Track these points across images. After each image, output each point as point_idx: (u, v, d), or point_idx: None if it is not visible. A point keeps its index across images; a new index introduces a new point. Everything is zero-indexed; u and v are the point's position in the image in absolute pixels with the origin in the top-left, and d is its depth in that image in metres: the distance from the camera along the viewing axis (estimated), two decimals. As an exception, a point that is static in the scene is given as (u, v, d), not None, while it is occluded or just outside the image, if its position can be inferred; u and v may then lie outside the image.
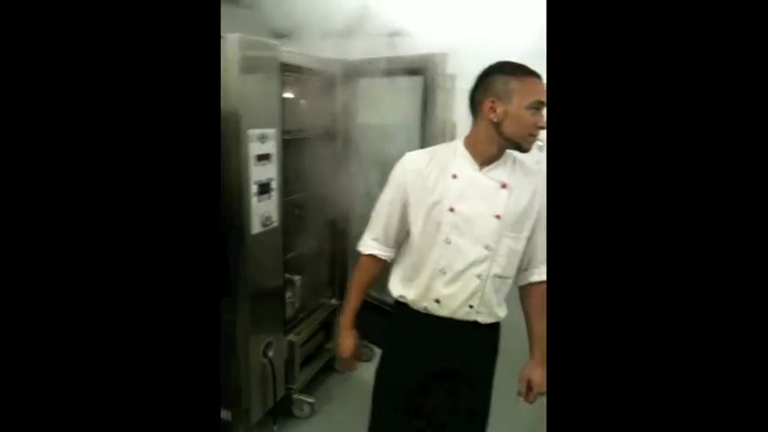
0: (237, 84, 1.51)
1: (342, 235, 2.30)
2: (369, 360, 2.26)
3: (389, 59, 2.07)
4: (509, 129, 1.06)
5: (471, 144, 1.12)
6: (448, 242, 1.10)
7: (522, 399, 1.23)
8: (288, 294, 1.96)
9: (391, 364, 1.26)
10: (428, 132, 2.04)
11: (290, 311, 2.00)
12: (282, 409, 1.98)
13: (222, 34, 1.48)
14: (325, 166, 2.19)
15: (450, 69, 2.16)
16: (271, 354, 1.78)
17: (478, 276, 1.11)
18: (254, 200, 1.63)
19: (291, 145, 1.98)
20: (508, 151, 1.12)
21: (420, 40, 2.35)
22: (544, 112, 1.04)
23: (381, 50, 2.13)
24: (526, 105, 1.03)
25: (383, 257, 1.23)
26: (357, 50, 2.18)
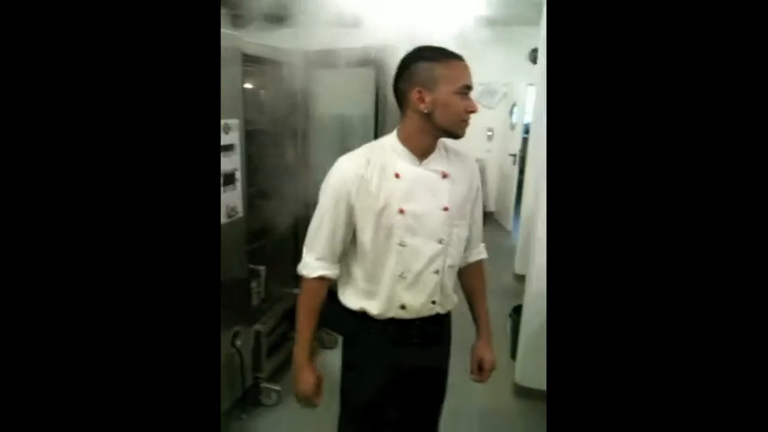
0: (201, 74, 1.51)
1: (304, 224, 2.33)
2: (332, 347, 2.31)
3: (345, 51, 2.12)
4: (440, 117, 1.01)
5: (405, 138, 1.06)
6: (403, 245, 1.06)
7: (474, 377, 1.26)
8: (253, 284, 1.98)
9: (358, 375, 1.19)
10: (381, 123, 2.12)
11: (255, 301, 2.02)
12: (250, 398, 2.01)
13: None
14: (285, 156, 2.21)
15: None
16: (239, 343, 1.80)
17: (436, 272, 1.10)
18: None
19: (253, 136, 1.98)
20: (440, 140, 1.10)
21: (377, 32, 2.41)
22: (472, 94, 1.04)
23: (341, 41, 2.18)
24: (454, 91, 1.00)
25: (329, 276, 1.12)
26: (315, 41, 2.21)
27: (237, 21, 2.46)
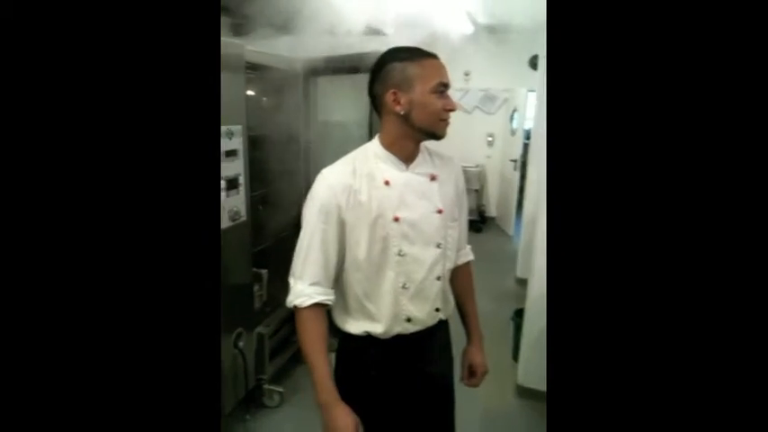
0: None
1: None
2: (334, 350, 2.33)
3: (339, 58, 2.16)
4: (418, 118, 0.97)
5: (388, 144, 1.02)
6: (402, 255, 1.00)
7: (465, 382, 1.22)
8: (256, 288, 2.01)
9: (359, 400, 1.04)
10: (375, 129, 2.15)
11: (257, 304, 2.04)
12: (253, 399, 2.03)
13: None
14: (287, 161, 2.25)
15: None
16: (242, 344, 1.82)
17: (438, 278, 1.05)
18: (222, 195, 1.67)
19: (255, 142, 2.02)
20: (423, 143, 1.06)
21: (374, 40, 2.45)
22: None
23: (340, 49, 2.22)
24: (430, 89, 0.95)
25: (328, 303, 1.02)
26: (314, 48, 2.25)
27: (239, 29, 2.52)
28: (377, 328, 1.03)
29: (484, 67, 5.28)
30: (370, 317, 1.04)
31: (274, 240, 2.23)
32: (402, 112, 0.97)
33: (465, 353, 1.22)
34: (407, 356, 1.07)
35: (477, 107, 5.48)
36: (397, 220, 0.99)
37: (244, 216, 1.79)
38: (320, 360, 0.98)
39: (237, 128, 1.73)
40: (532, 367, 2.22)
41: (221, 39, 1.62)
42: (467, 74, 5.40)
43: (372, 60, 1.02)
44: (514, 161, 4.92)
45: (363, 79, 2.14)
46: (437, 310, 1.07)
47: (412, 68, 0.96)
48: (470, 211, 5.36)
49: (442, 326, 1.14)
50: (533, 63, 4.78)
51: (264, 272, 2.03)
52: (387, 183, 0.99)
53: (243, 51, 1.74)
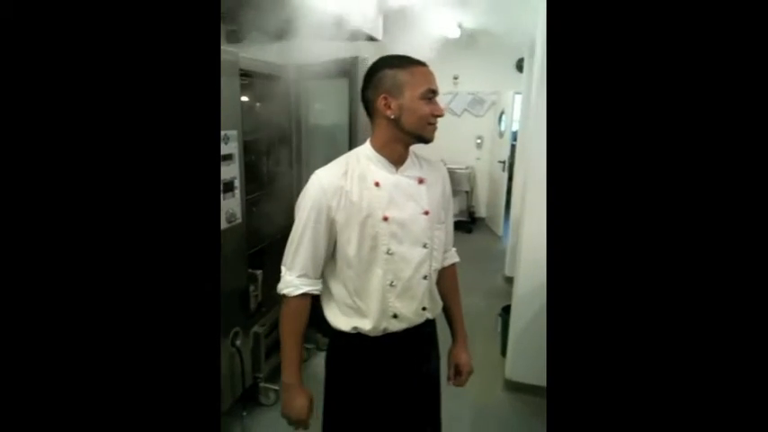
0: (202, 88, 1.61)
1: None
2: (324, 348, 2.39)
3: (324, 64, 2.22)
4: (407, 122, 1.03)
5: (379, 147, 1.07)
6: (390, 253, 1.05)
7: (451, 382, 1.27)
8: (251, 288, 2.06)
9: (344, 400, 1.15)
10: (354, 133, 2.20)
11: (253, 304, 2.10)
12: (250, 397, 2.09)
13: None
14: (280, 164, 2.31)
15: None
16: (239, 343, 1.88)
17: (425, 278, 1.10)
18: (219, 197, 1.73)
19: (250, 146, 2.08)
20: (410, 148, 1.11)
21: (363, 45, 2.52)
22: (438, 99, 1.06)
23: (331, 55, 2.28)
24: (418, 96, 1.01)
25: (314, 293, 1.10)
26: (304, 55, 2.31)
27: (232, 36, 2.58)
28: (365, 325, 1.08)
29: (472, 71, 5.40)
30: (360, 313, 1.09)
31: (269, 242, 2.28)
32: (392, 117, 1.02)
33: (451, 353, 1.27)
34: (395, 353, 1.12)
35: (467, 110, 5.58)
36: (386, 219, 1.04)
37: (239, 218, 1.85)
38: (293, 346, 1.09)
39: (233, 133, 1.79)
40: (519, 361, 2.30)
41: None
42: (455, 78, 5.50)
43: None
44: (503, 162, 5.02)
45: (344, 84, 2.17)
46: (424, 308, 1.13)
47: (402, 75, 1.01)
48: (461, 212, 5.46)
49: (429, 325, 1.18)
50: (520, 66, 4.89)
51: (259, 273, 2.08)
52: (377, 184, 1.05)
53: (237, 59, 1.80)
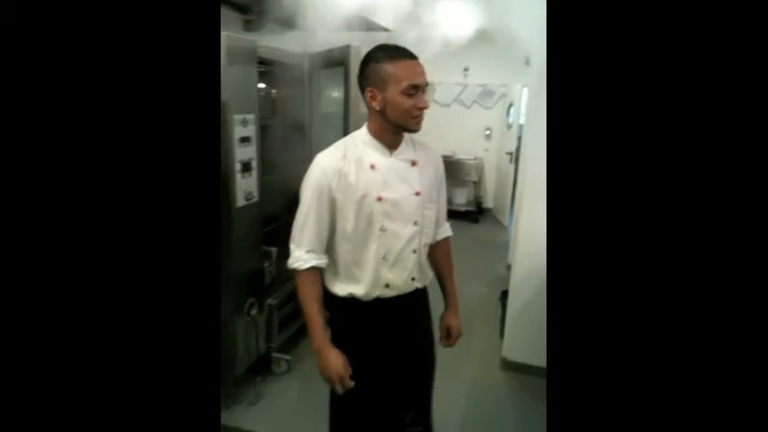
0: (224, 75, 1.73)
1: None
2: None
3: (325, 52, 2.33)
4: (391, 115, 1.10)
5: (374, 133, 1.16)
6: (383, 230, 1.15)
7: (443, 343, 1.39)
8: (266, 264, 2.19)
9: (352, 359, 1.22)
10: (347, 120, 2.29)
11: (267, 279, 2.23)
12: (263, 367, 2.24)
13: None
14: (293, 148, 2.43)
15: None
16: (254, 312, 2.02)
17: (414, 251, 1.20)
18: (238, 176, 1.86)
19: (266, 130, 2.21)
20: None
21: (378, 37, 2.62)
22: (427, 89, 1.10)
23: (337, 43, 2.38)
24: (400, 90, 1.06)
25: (322, 266, 1.21)
26: (316, 43, 2.42)
27: (249, 25, 2.69)
28: (359, 290, 1.20)
29: (482, 63, 5.46)
30: (355, 281, 1.20)
31: (283, 222, 2.42)
32: (378, 108, 1.10)
33: (442, 318, 1.39)
34: (387, 317, 1.23)
35: (476, 101, 5.65)
36: (380, 199, 1.14)
37: (256, 197, 1.98)
38: (314, 313, 1.17)
39: (251, 117, 1.91)
40: (515, 342, 2.43)
41: (235, 35, 1.81)
42: (466, 69, 5.57)
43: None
44: (510, 154, 5.10)
45: (340, 72, 2.24)
46: (413, 279, 1.23)
47: (387, 69, 1.07)
48: (468, 202, 5.56)
49: (420, 293, 1.29)
50: (528, 59, 4.94)
51: (274, 249, 2.22)
52: (372, 167, 1.14)
53: (256, 47, 1.92)
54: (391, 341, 1.26)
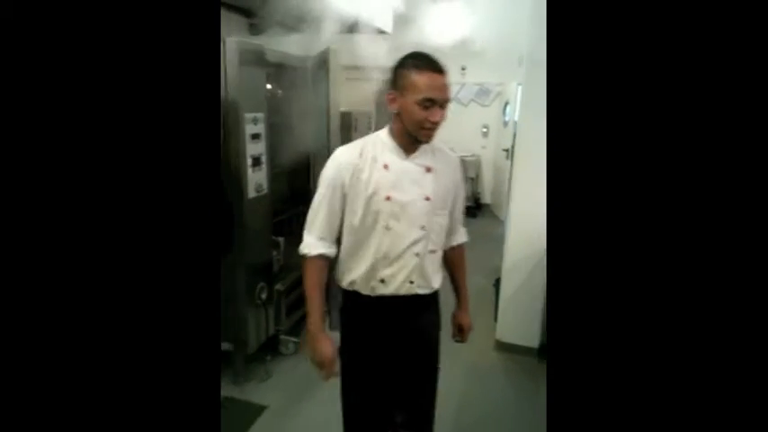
0: (236, 78, 1.90)
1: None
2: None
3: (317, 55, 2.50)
4: (405, 121, 1.13)
5: (394, 134, 1.18)
6: (388, 228, 1.17)
7: (456, 339, 1.45)
8: (274, 253, 2.36)
9: (353, 350, 1.29)
10: (328, 119, 2.44)
11: (275, 268, 2.40)
12: (272, 348, 2.40)
13: (223, 38, 1.86)
14: (300, 145, 2.59)
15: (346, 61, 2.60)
16: (264, 296, 2.19)
17: (417, 255, 1.20)
18: (249, 170, 2.03)
19: (274, 127, 2.36)
20: None
21: (379, 40, 2.77)
22: (443, 106, 1.11)
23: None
24: (415, 101, 1.08)
25: (329, 254, 1.24)
26: (316, 46, 2.58)
27: (254, 29, 2.85)
28: (357, 278, 1.23)
29: (479, 62, 5.61)
30: (351, 271, 1.23)
31: (290, 214, 2.59)
32: (395, 111, 1.14)
33: (454, 315, 1.45)
34: (388, 316, 1.25)
35: (473, 100, 5.82)
36: (388, 198, 1.16)
37: (266, 189, 2.14)
38: (314, 299, 1.24)
39: (260, 115, 2.07)
40: (507, 325, 2.60)
41: (245, 40, 1.96)
42: (463, 68, 5.73)
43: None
44: (506, 151, 5.25)
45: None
46: (411, 282, 1.22)
47: (410, 76, 1.09)
48: (467, 198, 5.70)
49: (423, 300, 1.27)
50: (520, 59, 5.08)
51: (282, 239, 2.38)
52: (386, 166, 1.17)
53: (264, 50, 2.08)
54: (389, 341, 1.27)
